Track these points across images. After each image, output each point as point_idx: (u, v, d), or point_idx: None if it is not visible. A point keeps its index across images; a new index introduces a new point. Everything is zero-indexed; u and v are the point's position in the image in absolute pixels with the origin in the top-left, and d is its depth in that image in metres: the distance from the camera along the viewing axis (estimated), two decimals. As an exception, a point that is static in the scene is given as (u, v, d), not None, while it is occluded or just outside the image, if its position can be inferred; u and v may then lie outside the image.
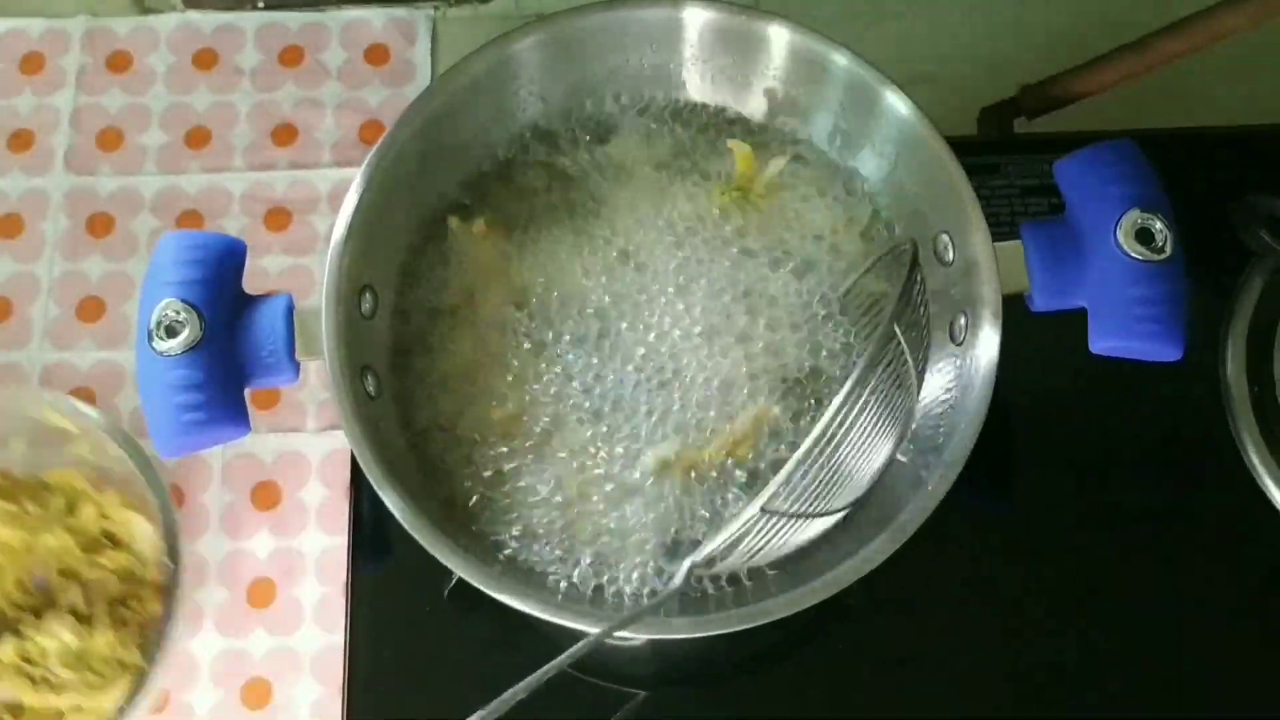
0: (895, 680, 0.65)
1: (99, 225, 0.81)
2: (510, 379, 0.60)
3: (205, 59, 0.85)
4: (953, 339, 0.58)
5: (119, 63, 0.85)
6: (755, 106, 0.64)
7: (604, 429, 0.59)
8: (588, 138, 0.64)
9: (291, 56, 0.85)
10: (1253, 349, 0.67)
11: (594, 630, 0.51)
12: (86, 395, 0.76)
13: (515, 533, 0.58)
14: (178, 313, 0.52)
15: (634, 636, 0.53)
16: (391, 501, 0.52)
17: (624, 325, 0.61)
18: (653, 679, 0.66)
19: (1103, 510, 0.67)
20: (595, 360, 0.60)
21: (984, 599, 0.65)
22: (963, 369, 0.56)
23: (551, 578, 0.57)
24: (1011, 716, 0.64)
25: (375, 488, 0.53)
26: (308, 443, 0.76)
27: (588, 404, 0.60)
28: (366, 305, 0.57)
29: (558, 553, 0.58)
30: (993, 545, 0.66)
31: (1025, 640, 0.65)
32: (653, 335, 0.61)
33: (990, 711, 0.64)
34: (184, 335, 0.52)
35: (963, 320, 0.57)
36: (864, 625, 0.64)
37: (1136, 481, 0.67)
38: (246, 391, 0.54)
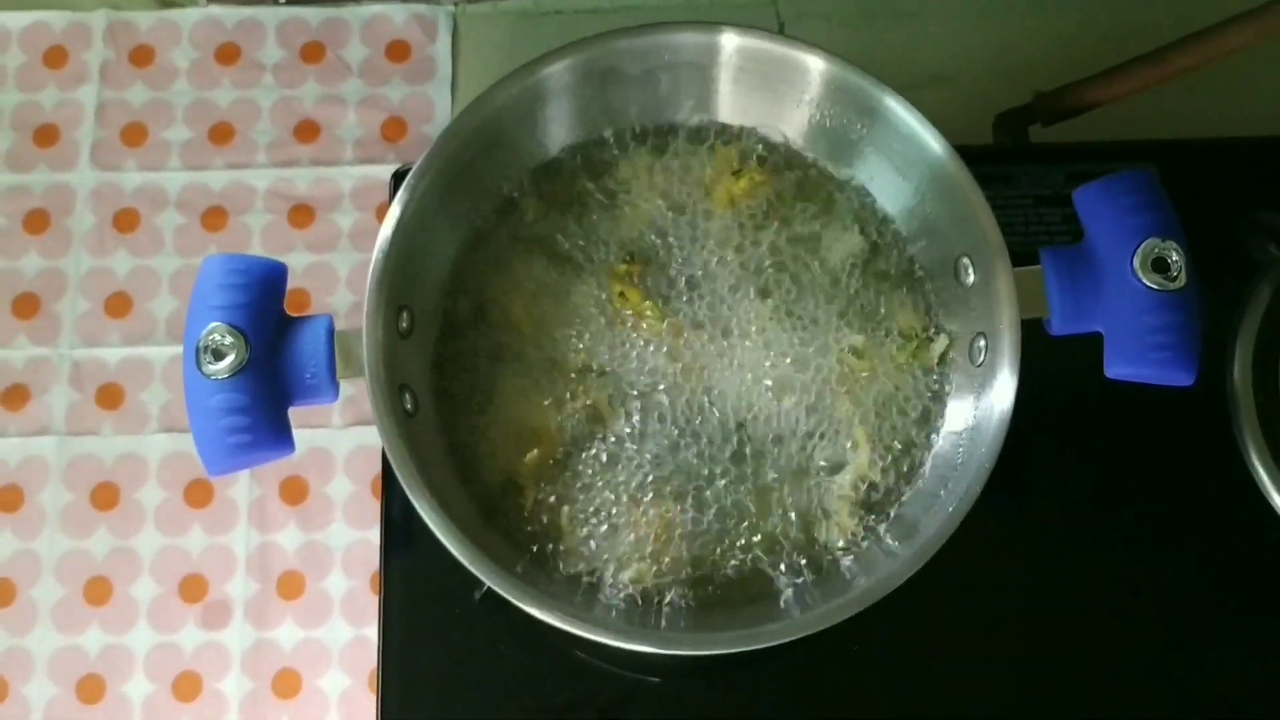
0: (905, 678, 0.67)
1: (125, 221, 0.82)
2: (547, 403, 0.61)
3: (227, 54, 0.85)
4: (972, 360, 0.59)
5: (141, 57, 0.85)
6: (788, 131, 0.65)
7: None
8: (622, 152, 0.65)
9: (313, 52, 0.86)
10: (1259, 359, 0.69)
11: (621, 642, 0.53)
12: (115, 391, 0.78)
13: (559, 547, 0.60)
14: (223, 336, 0.53)
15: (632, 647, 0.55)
16: (432, 519, 0.54)
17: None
18: (667, 666, 0.69)
19: (1109, 516, 0.68)
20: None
21: (993, 602, 0.67)
22: (982, 391, 0.58)
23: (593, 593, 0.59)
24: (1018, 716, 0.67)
25: (415, 503, 0.54)
26: (333, 439, 0.77)
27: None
28: (404, 324, 0.59)
29: (595, 567, 0.59)
30: (1003, 550, 0.68)
31: (1031, 643, 0.67)
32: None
33: (998, 711, 0.66)
34: (230, 359, 0.53)
35: (982, 342, 0.58)
36: (876, 627, 0.65)
37: (1142, 489, 0.69)
38: (289, 411, 0.56)
